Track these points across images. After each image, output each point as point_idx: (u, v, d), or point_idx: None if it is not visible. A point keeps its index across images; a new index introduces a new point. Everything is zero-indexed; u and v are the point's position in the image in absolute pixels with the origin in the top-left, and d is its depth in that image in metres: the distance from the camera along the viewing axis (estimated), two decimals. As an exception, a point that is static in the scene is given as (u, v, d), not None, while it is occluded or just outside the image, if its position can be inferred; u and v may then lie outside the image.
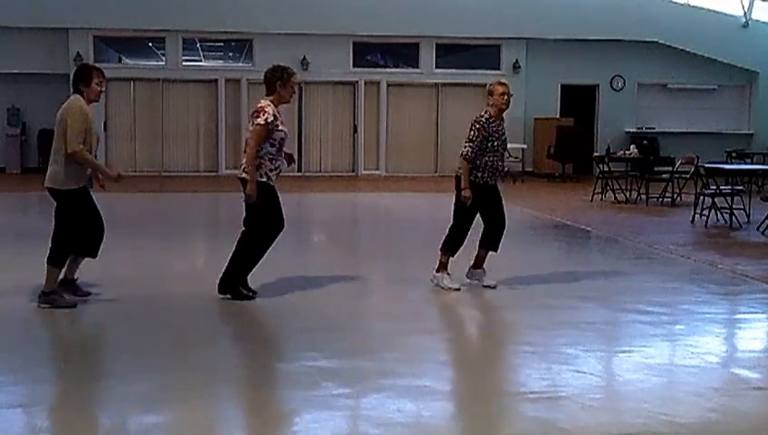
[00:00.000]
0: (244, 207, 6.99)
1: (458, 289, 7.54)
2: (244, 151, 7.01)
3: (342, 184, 18.30)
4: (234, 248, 7.07)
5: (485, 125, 7.48)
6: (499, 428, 4.66)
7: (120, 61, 23.14)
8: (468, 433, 4.50)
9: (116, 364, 5.66)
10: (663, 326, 6.75)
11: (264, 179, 6.92)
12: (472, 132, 7.45)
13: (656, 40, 20.91)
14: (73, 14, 19.24)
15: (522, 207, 14.16)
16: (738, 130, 22.07)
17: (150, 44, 22.42)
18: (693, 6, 21.26)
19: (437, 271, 7.65)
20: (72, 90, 6.86)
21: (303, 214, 14.16)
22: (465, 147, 7.45)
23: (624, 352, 6.11)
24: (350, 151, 21.03)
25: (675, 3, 21.11)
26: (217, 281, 7.04)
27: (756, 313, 7.51)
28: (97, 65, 7.63)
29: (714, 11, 21.39)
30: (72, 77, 7.08)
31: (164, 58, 21.00)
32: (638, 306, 7.17)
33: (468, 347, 6.10)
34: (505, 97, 7.51)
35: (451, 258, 7.64)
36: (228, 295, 7.03)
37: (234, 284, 7.05)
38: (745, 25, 21.47)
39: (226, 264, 7.07)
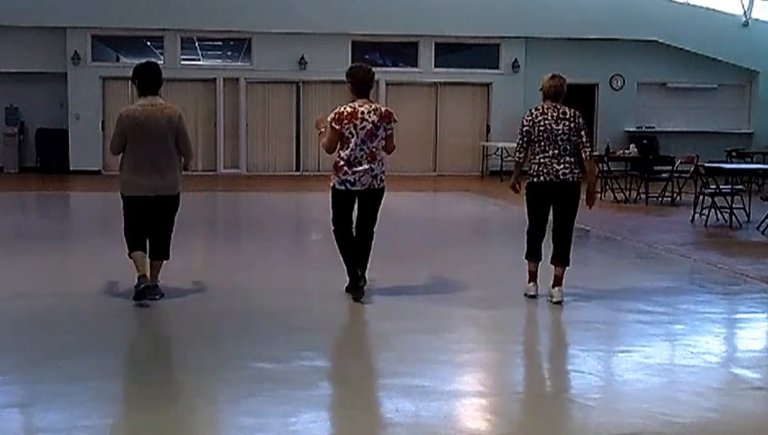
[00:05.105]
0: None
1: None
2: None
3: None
4: None
5: None
6: (498, 428, 4.63)
7: (118, 60, 23.13)
8: (467, 433, 4.48)
9: (113, 363, 5.64)
10: (663, 326, 6.74)
11: (332, 184, 7.22)
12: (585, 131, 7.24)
13: (655, 39, 20.89)
14: (71, 13, 19.20)
15: (520, 207, 14.12)
16: (738, 129, 22.04)
17: (148, 43, 22.40)
18: (693, 5, 21.23)
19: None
20: (152, 91, 6.79)
21: (301, 213, 14.10)
22: (588, 148, 7.25)
23: (624, 352, 6.10)
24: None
25: (674, 2, 21.08)
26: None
27: (756, 313, 7.50)
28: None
29: (713, 10, 21.37)
30: (154, 78, 6.82)
31: (162, 57, 20.95)
32: (638, 306, 7.15)
33: (467, 347, 6.08)
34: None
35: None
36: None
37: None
38: (745, 24, 21.44)
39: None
